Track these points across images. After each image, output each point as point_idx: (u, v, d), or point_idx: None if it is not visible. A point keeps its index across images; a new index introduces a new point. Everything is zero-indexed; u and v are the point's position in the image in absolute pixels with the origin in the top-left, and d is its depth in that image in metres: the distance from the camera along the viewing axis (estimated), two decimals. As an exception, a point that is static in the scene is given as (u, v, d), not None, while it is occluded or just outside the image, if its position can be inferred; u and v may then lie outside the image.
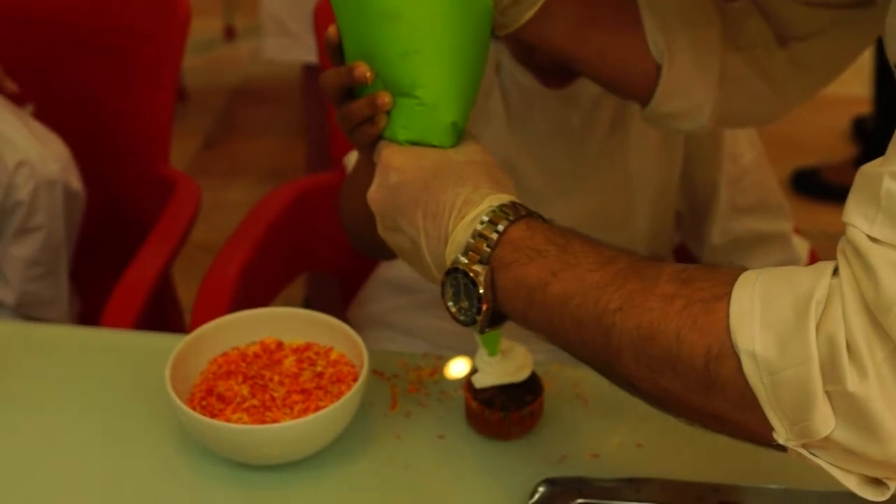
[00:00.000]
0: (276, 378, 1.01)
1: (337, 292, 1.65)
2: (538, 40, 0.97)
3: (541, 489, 0.91)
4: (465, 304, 0.80)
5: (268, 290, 1.52)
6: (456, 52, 0.86)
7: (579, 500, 0.90)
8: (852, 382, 0.62)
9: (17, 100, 1.58)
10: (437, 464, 0.98)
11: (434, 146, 0.87)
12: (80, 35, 1.74)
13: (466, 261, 0.79)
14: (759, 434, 0.68)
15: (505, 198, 0.80)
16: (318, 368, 1.02)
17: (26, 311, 1.54)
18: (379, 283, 1.45)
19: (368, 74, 0.86)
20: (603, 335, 0.72)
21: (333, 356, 1.03)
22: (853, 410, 0.63)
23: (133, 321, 1.38)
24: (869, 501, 0.68)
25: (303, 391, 0.99)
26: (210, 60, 4.05)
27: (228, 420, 0.96)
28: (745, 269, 0.69)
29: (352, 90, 0.90)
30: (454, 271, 0.79)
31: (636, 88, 1.02)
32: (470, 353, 1.02)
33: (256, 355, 1.04)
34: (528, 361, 0.99)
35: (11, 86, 1.57)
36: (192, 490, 0.95)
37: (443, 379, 1.08)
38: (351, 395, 0.95)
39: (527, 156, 1.28)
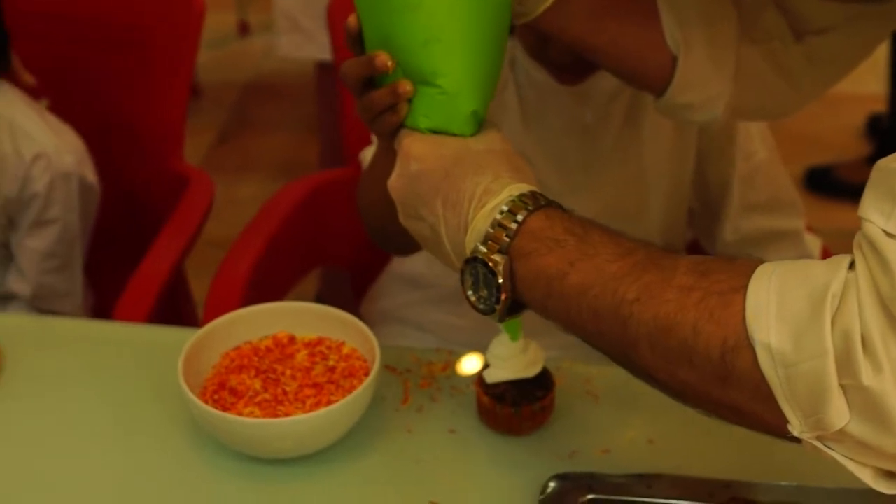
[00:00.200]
0: (289, 372, 1.01)
1: (349, 287, 1.66)
2: (555, 29, 0.97)
3: (551, 484, 0.91)
4: (484, 293, 0.80)
5: (280, 285, 1.52)
6: (476, 41, 0.86)
7: (590, 496, 0.90)
8: (867, 376, 0.62)
9: (33, 94, 1.59)
10: (449, 458, 0.98)
11: (455, 135, 0.88)
12: (95, 30, 1.75)
13: (486, 250, 0.79)
14: (774, 426, 0.68)
15: (524, 187, 0.81)
16: (331, 363, 1.02)
17: (41, 303, 1.55)
18: (392, 277, 1.46)
19: (389, 64, 0.87)
20: (620, 326, 0.72)
21: (345, 350, 1.04)
22: (868, 404, 0.63)
23: (146, 315, 1.38)
24: (880, 496, 0.68)
25: (315, 385, 0.99)
26: (224, 56, 4.06)
27: (240, 414, 0.96)
28: (762, 262, 0.69)
29: (372, 80, 0.90)
30: (473, 260, 0.80)
31: (651, 79, 1.02)
32: (482, 348, 1.02)
33: (269, 349, 1.04)
34: (540, 357, 0.99)
35: (29, 79, 1.58)
36: (204, 483, 0.96)
37: (454, 374, 1.08)
38: (362, 390, 0.95)
39: (541, 151, 1.28)
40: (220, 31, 4.13)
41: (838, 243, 0.68)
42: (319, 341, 1.05)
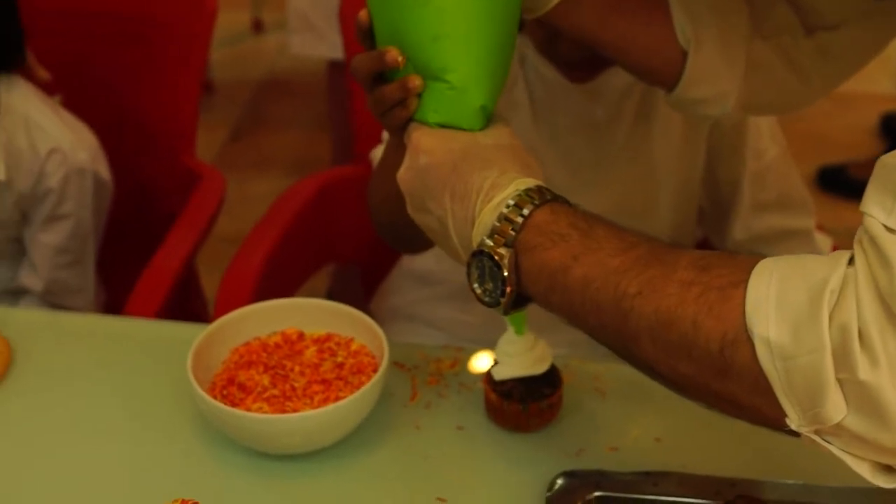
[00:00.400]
0: (297, 368, 1.02)
1: (360, 284, 1.66)
2: (566, 24, 0.98)
3: (559, 481, 0.91)
4: (489, 285, 0.81)
5: (291, 281, 1.53)
6: (485, 36, 0.87)
7: (597, 493, 0.90)
8: (864, 371, 0.62)
9: (47, 89, 1.59)
10: (456, 455, 0.98)
11: (463, 129, 0.88)
12: (109, 26, 1.76)
13: (492, 243, 0.79)
14: (772, 419, 0.68)
15: (531, 182, 0.81)
16: (339, 359, 1.03)
17: (53, 298, 1.55)
18: (402, 274, 1.46)
19: (400, 59, 0.87)
20: (621, 319, 0.73)
21: (354, 347, 1.04)
22: (864, 398, 0.63)
23: (157, 311, 1.39)
24: (885, 495, 0.68)
25: (323, 381, 1.00)
26: (238, 53, 4.08)
27: (249, 409, 0.97)
28: (763, 257, 0.69)
29: (382, 74, 0.91)
30: (479, 253, 0.80)
31: (662, 74, 1.02)
32: (491, 345, 1.03)
33: (278, 345, 1.05)
34: (548, 354, 1.00)
35: (44, 74, 1.58)
36: (213, 478, 0.96)
37: (463, 371, 1.08)
38: (371, 386, 0.96)
39: (551, 148, 1.28)
40: (235, 28, 4.14)
41: (850, 243, 0.68)
42: (328, 337, 1.05)
